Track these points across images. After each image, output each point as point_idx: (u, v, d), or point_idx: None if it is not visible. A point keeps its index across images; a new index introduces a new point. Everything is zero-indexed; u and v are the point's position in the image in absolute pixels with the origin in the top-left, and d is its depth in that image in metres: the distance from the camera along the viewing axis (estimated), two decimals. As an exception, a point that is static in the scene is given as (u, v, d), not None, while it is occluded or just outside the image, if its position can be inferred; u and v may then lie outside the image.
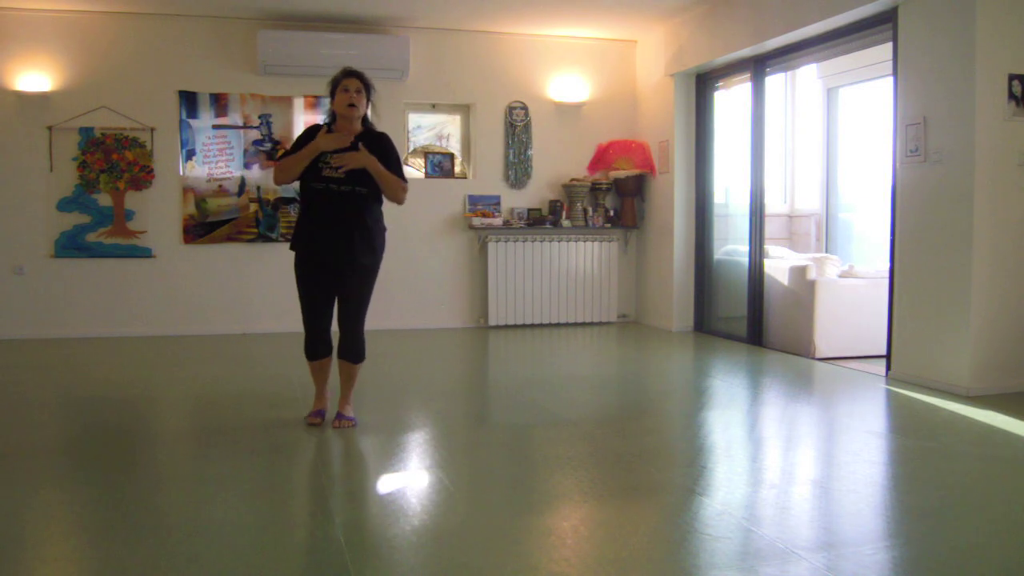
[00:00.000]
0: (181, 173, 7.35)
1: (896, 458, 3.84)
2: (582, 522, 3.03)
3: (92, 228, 7.20)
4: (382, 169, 3.96)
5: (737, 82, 7.34)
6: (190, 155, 7.36)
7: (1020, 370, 4.99)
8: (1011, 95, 4.85)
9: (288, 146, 6.98)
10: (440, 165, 8.01)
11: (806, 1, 5.92)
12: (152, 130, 7.28)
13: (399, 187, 4.04)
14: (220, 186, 7.42)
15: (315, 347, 4.19)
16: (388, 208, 4.22)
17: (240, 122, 7.45)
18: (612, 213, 8.22)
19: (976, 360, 4.89)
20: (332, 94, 4.03)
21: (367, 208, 4.01)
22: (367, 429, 4.37)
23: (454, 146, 8.18)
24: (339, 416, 4.22)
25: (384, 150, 4.03)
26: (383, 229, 4.17)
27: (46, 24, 7.06)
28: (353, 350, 4.15)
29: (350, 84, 3.96)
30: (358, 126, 4.03)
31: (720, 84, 7.53)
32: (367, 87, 4.01)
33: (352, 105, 3.94)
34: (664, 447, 4.10)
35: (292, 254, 4.14)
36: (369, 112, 4.13)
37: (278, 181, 4.03)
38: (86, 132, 7.15)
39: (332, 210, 3.95)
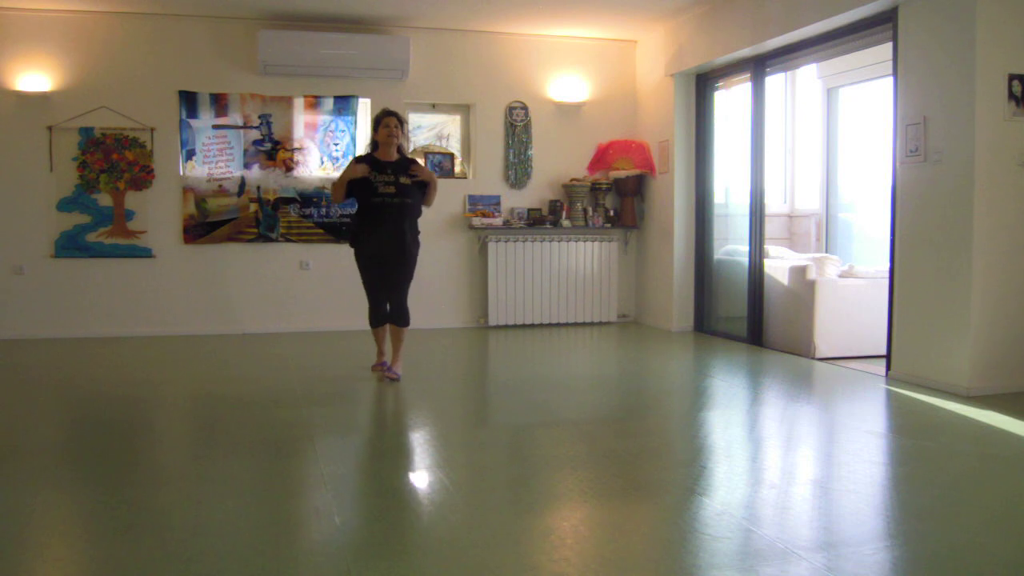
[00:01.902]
0: (181, 173, 7.36)
1: (896, 458, 3.84)
2: (582, 522, 3.03)
3: (92, 228, 7.20)
4: (435, 180, 5.39)
5: (737, 82, 7.33)
6: (190, 155, 7.36)
7: (1020, 370, 4.99)
8: (1011, 95, 4.85)
9: (288, 146, 7.36)
10: (440, 165, 8.00)
11: (806, 1, 5.92)
12: (152, 130, 7.28)
13: (435, 193, 5.41)
14: (220, 186, 7.42)
15: (377, 318, 5.43)
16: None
17: (240, 122, 7.45)
18: (612, 213, 8.22)
19: (976, 360, 4.89)
20: (375, 128, 5.35)
21: (411, 215, 5.31)
22: (367, 429, 4.37)
23: (454, 146, 8.18)
24: (389, 369, 5.38)
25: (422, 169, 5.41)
26: (419, 230, 5.42)
27: (46, 24, 7.06)
28: (402, 317, 5.37)
29: (389, 122, 5.30)
30: (395, 152, 5.32)
31: (720, 84, 7.53)
32: (401, 122, 5.35)
33: (391, 136, 5.28)
34: (664, 447, 4.10)
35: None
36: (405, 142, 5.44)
37: (334, 202, 5.51)
38: (86, 132, 7.15)
39: (387, 218, 5.21)
